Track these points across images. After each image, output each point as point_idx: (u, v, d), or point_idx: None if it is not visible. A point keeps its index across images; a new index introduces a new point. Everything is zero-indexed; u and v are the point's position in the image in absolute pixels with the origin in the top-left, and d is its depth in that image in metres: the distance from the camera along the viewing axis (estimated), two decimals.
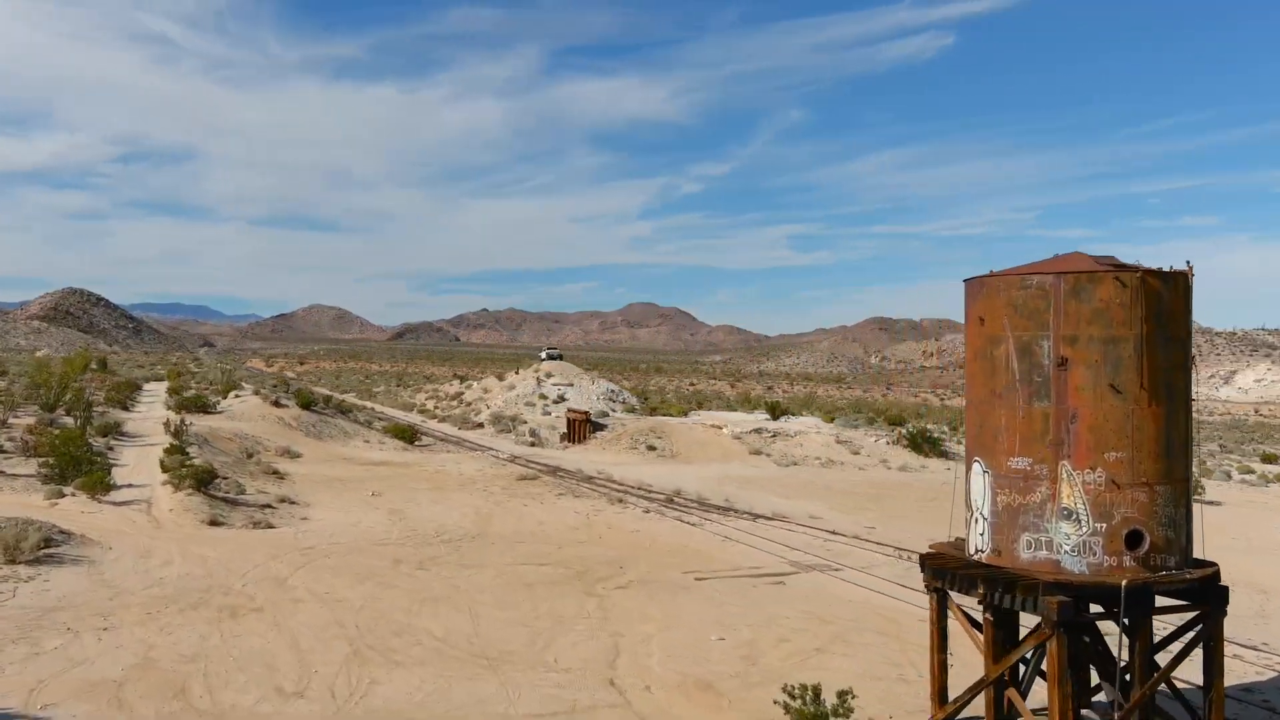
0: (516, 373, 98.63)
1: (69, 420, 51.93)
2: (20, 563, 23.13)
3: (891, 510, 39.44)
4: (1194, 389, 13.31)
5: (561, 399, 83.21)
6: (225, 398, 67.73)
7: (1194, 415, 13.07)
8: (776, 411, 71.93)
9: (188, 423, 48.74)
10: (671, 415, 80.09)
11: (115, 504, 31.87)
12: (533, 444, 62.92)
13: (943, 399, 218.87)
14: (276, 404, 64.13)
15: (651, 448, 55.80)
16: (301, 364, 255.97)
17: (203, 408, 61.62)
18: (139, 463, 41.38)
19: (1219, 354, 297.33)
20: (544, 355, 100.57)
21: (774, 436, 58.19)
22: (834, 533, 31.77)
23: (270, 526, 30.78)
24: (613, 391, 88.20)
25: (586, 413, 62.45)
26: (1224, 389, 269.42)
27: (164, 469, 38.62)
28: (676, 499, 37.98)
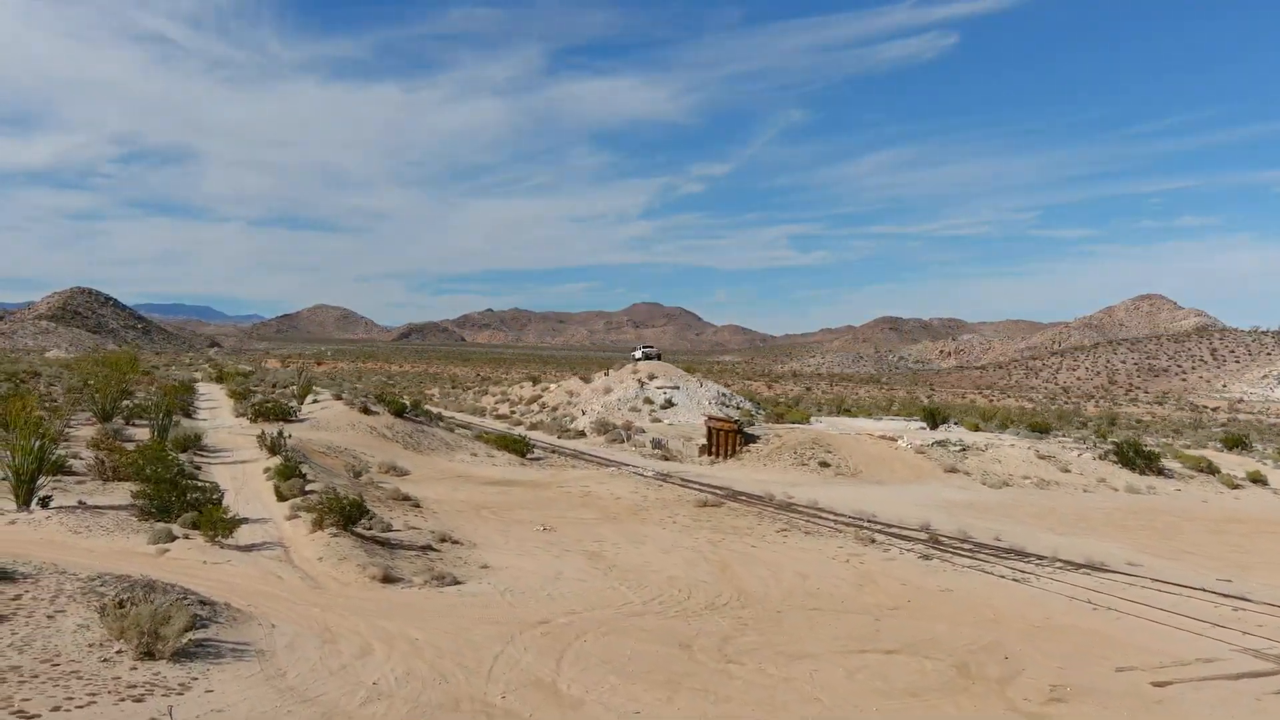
0: (606, 374, 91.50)
1: (133, 430, 45.48)
2: (163, 658, 16.13)
3: (1207, 550, 31.87)
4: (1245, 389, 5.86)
5: (670, 404, 76.04)
6: (302, 403, 61.03)
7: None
8: (936, 419, 64.35)
9: (286, 434, 41.87)
10: (798, 422, 72.79)
11: (241, 549, 24.98)
12: (664, 457, 55.67)
13: (991, 399, 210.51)
14: (365, 410, 57.30)
15: (824, 464, 48.36)
16: (319, 364, 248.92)
17: (283, 415, 54.99)
18: (240, 487, 34.52)
19: (1269, 353, 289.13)
20: (638, 354, 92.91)
21: (963, 450, 50.62)
22: (1226, 596, 24.26)
23: (457, 583, 23.67)
24: (724, 395, 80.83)
25: (736, 422, 55.11)
26: (1279, 389, 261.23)
27: (281, 497, 31.77)
28: (941, 538, 30.57)
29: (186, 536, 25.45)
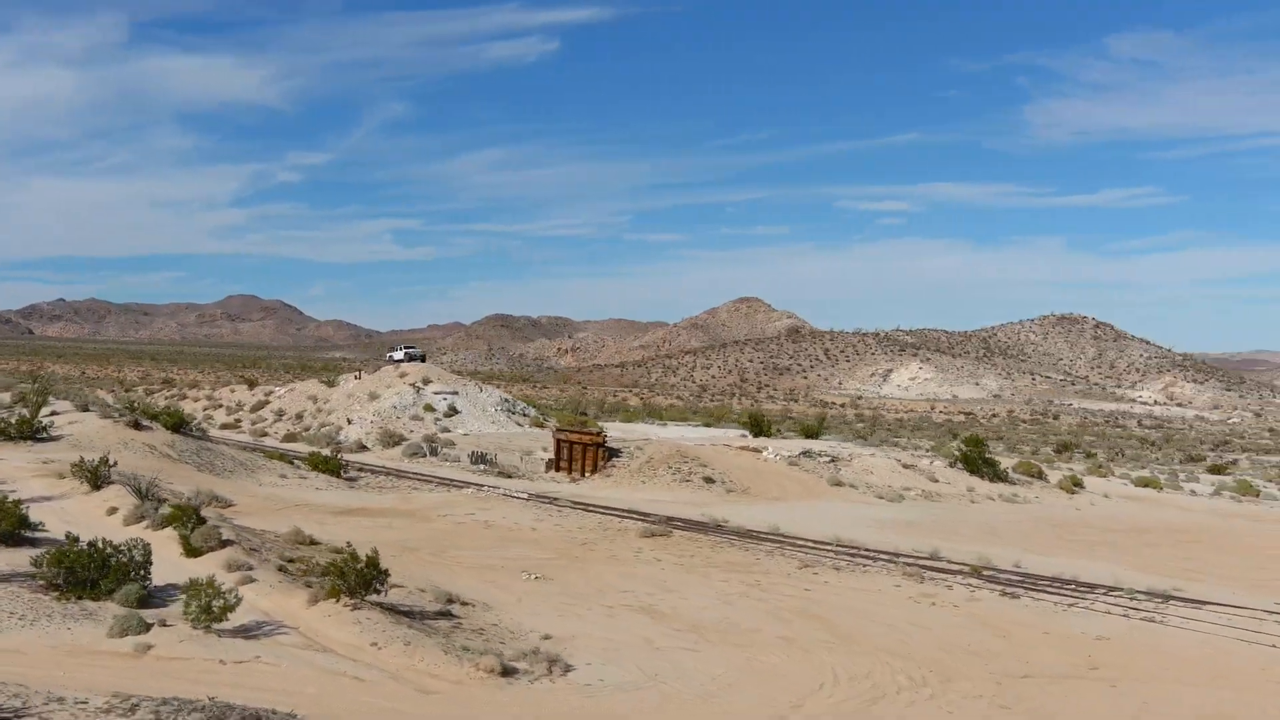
0: (357, 376, 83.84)
1: None
2: None
3: (1201, 567, 32.14)
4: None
5: (454, 411, 70.35)
6: (35, 416, 50.25)
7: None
8: (760, 427, 63.38)
9: (110, 462, 33.44)
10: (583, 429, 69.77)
11: (241, 635, 18.66)
12: (502, 473, 50.55)
13: (643, 397, 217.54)
14: (136, 426, 47.98)
15: (709, 480, 45.35)
16: None
17: (29, 433, 45.09)
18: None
19: (873, 353, 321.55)
20: (398, 355, 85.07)
21: (832, 461, 49.50)
22: None
23: (569, 668, 18.67)
24: (508, 401, 75.99)
25: (599, 434, 50.72)
26: (885, 386, 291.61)
27: (192, 551, 24.63)
28: (984, 570, 28.60)
29: (163, 623, 18.60)
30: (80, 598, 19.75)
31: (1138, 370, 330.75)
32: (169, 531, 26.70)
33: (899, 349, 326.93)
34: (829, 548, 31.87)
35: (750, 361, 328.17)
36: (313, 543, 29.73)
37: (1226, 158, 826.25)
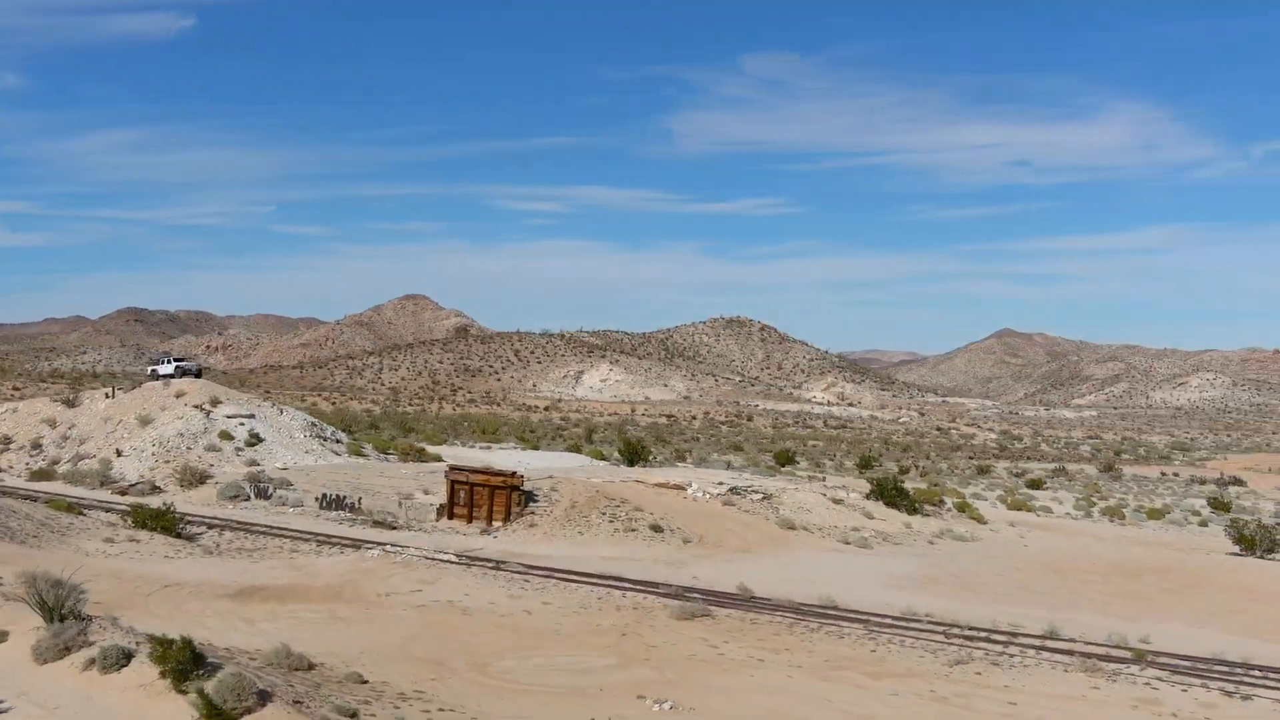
0: (110, 395, 71.20)
1: None
2: None
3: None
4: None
5: (256, 439, 60.43)
6: None
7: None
8: (636, 454, 57.92)
9: None
10: (412, 457, 62.74)
11: None
12: (380, 524, 42.34)
13: (334, 400, 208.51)
14: None
15: (657, 529, 39.23)
16: None
17: None
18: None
19: (562, 355, 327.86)
20: (168, 369, 71.93)
21: (765, 499, 44.86)
22: None
23: None
24: (315, 425, 66.30)
25: (514, 475, 42.82)
26: (578, 389, 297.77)
27: (218, 716, 16.48)
28: (1150, 657, 24.70)
29: None
30: None
31: (803, 371, 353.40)
32: (133, 673, 18.08)
33: (587, 351, 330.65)
34: (919, 625, 27.28)
35: (441, 363, 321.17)
36: (310, 667, 21.76)
37: (843, 173, 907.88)
